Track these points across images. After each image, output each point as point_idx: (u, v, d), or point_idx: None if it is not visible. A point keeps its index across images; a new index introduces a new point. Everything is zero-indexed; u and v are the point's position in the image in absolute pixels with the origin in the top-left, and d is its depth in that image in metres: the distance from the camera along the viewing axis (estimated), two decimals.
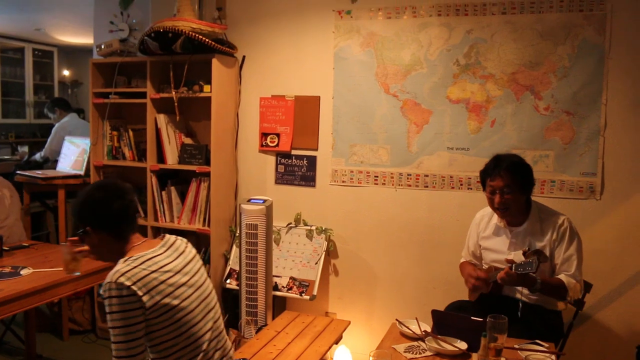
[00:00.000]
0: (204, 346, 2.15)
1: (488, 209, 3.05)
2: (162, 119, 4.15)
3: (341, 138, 3.98)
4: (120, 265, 2.00)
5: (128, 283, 1.95)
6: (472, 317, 2.53)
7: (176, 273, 2.11)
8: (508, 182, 2.81)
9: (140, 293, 1.97)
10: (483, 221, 3.13)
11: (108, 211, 2.11)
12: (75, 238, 2.26)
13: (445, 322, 2.63)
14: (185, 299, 2.12)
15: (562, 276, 2.81)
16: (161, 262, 2.10)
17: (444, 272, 3.73)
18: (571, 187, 3.52)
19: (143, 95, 4.16)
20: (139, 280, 1.98)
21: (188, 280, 2.16)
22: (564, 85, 3.47)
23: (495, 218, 3.00)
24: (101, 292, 2.04)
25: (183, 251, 2.25)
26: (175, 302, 2.05)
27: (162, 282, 2.05)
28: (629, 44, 3.35)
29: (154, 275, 2.03)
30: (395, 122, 3.83)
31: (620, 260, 3.43)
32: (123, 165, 4.40)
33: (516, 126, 3.59)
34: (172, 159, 4.16)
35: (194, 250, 2.33)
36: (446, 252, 3.72)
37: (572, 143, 3.50)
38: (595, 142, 3.45)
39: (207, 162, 4.06)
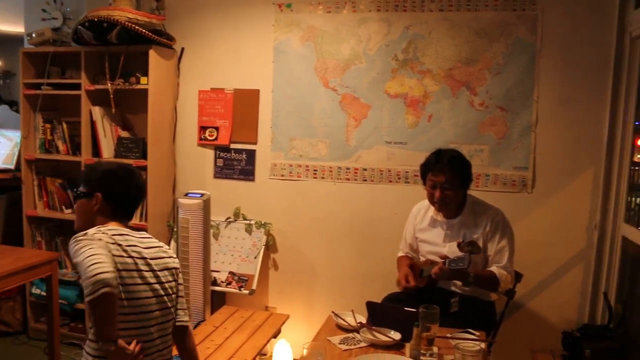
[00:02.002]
0: (153, 333, 2.11)
1: (425, 202, 3.08)
2: (97, 111, 4.05)
3: (280, 132, 3.97)
4: (93, 230, 2.05)
5: (99, 235, 2.00)
6: (406, 308, 2.55)
7: (142, 258, 2.09)
8: (449, 178, 2.84)
9: (110, 243, 2.00)
10: (420, 214, 3.16)
11: (126, 190, 2.20)
12: None
13: (380, 313, 2.65)
14: (143, 278, 2.08)
15: (494, 268, 2.87)
16: (132, 240, 2.10)
17: (382, 265, 3.72)
18: (505, 181, 3.59)
19: (77, 86, 4.04)
20: (110, 241, 2.02)
21: (151, 271, 2.12)
22: (498, 81, 3.54)
23: (432, 210, 3.04)
24: (70, 243, 2.03)
25: (161, 257, 2.21)
26: (134, 280, 2.04)
27: (128, 256, 2.05)
28: (558, 43, 3.44)
29: (120, 240, 2.05)
30: (334, 116, 3.83)
31: (551, 250, 3.53)
32: (57, 159, 4.27)
33: (452, 121, 3.64)
34: (108, 153, 4.06)
35: (174, 263, 2.26)
36: (384, 246, 3.72)
37: (505, 138, 3.56)
38: (528, 137, 3.53)
39: (144, 156, 3.98)
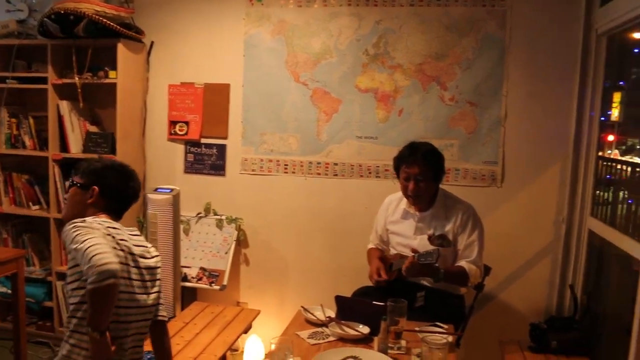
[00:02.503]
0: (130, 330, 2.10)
1: (398, 194, 3.09)
2: (65, 105, 3.98)
3: (251, 126, 3.94)
4: (88, 219, 2.06)
5: (97, 225, 2.00)
6: (374, 302, 2.55)
7: (131, 254, 2.09)
8: (423, 170, 2.86)
9: (106, 234, 2.00)
10: (392, 205, 3.16)
11: (123, 189, 2.22)
12: None
13: (349, 307, 2.65)
14: (129, 273, 2.07)
15: (463, 263, 2.89)
16: (123, 235, 2.10)
17: (353, 259, 3.70)
18: (474, 175, 3.62)
19: (44, 80, 3.96)
20: (106, 232, 2.02)
21: (136, 268, 2.12)
22: (468, 76, 3.56)
23: (404, 203, 3.05)
24: (64, 230, 2.02)
25: (145, 257, 2.19)
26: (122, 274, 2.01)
27: (120, 249, 2.04)
28: (526, 38, 3.47)
29: (113, 233, 2.06)
30: (305, 110, 3.82)
31: (520, 243, 3.58)
32: (23, 155, 4.19)
33: (423, 116, 3.66)
34: (76, 148, 4.00)
35: (157, 263, 2.25)
36: (355, 240, 3.70)
37: (475, 132, 3.59)
38: (497, 132, 3.57)
39: (113, 151, 3.92)
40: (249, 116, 3.94)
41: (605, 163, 3.38)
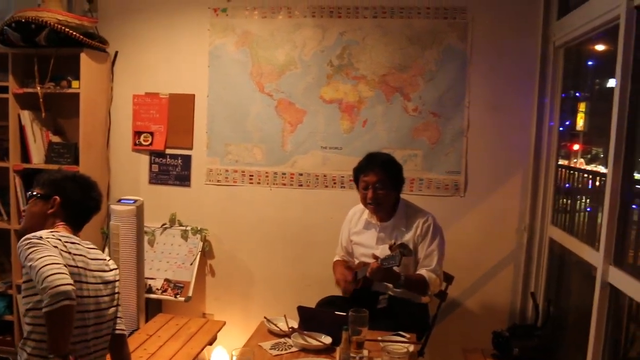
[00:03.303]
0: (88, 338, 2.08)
1: (360, 206, 3.12)
2: (26, 115, 3.91)
3: (216, 137, 3.91)
4: (45, 232, 2.02)
5: (54, 241, 1.98)
6: (336, 312, 2.55)
7: (87, 269, 2.06)
8: (381, 178, 2.89)
9: (63, 250, 1.97)
10: (355, 217, 3.20)
11: (84, 199, 2.20)
12: None
13: (311, 317, 2.66)
14: (84, 290, 2.04)
15: (423, 271, 2.92)
16: (81, 249, 2.09)
17: (317, 270, 3.70)
18: (438, 185, 3.65)
19: (5, 89, 3.88)
20: (63, 248, 2.00)
21: (94, 284, 2.10)
22: (431, 87, 3.59)
23: (367, 213, 3.08)
24: (18, 246, 1.98)
25: (103, 270, 2.18)
26: (79, 292, 1.97)
27: (75, 265, 2.01)
28: (487, 50, 3.53)
29: (71, 248, 2.04)
30: (270, 121, 3.81)
31: (483, 252, 3.61)
32: None
33: (387, 126, 3.68)
34: (38, 158, 3.94)
35: (115, 277, 2.24)
36: (320, 251, 3.69)
37: (438, 143, 3.63)
38: (460, 142, 3.60)
39: (77, 162, 3.83)
40: (214, 127, 3.90)
41: (566, 172, 3.47)
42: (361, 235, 3.14)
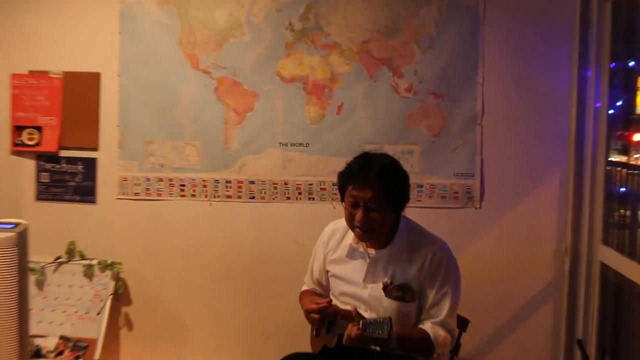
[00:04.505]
0: None
1: (342, 222, 2.53)
2: None
3: (132, 132, 3.32)
4: None
5: None
6: None
7: None
8: (378, 195, 2.32)
9: None
10: (334, 238, 2.60)
11: None
12: None
13: None
14: None
15: (428, 326, 2.37)
16: None
17: (278, 316, 3.26)
18: (443, 193, 3.18)
19: None
20: None
21: None
22: (430, 58, 3.13)
23: (351, 236, 2.49)
24: None
25: None
26: None
27: None
28: (506, 4, 3.12)
29: None
30: (207, 108, 3.27)
31: (509, 285, 3.15)
32: None
33: (370, 113, 3.18)
34: None
35: None
36: (281, 288, 3.24)
37: (442, 135, 3.14)
38: (472, 133, 3.13)
39: None
40: (128, 118, 3.31)
41: (620, 171, 2.99)
42: (343, 266, 2.51)
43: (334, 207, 3.04)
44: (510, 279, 3.16)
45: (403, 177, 2.40)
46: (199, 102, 3.25)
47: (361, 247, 2.43)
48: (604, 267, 2.92)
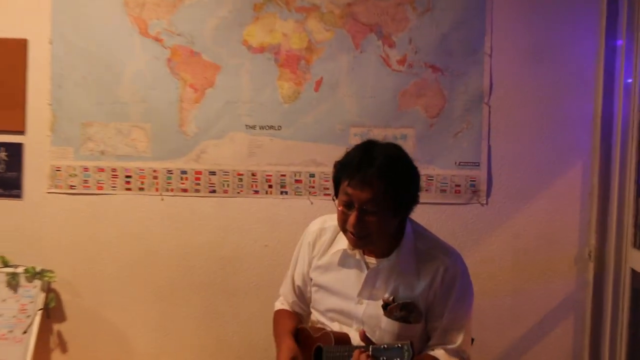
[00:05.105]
0: None
1: (333, 219, 2.21)
2: None
3: (66, 112, 2.94)
4: None
5: None
6: None
7: None
8: (377, 197, 2.00)
9: None
10: (322, 240, 2.26)
11: None
12: None
13: None
14: None
15: (441, 353, 2.07)
16: None
17: (246, 335, 2.92)
18: (443, 186, 2.89)
19: None
20: None
21: None
22: (428, 24, 2.83)
23: (344, 239, 2.15)
24: None
25: None
26: None
27: None
28: None
29: None
30: (158, 84, 2.92)
31: (521, 296, 2.85)
32: None
33: (355, 89, 2.86)
34: None
35: None
36: (249, 302, 2.91)
37: (442, 116, 2.83)
38: (477, 114, 2.83)
39: None
40: (62, 95, 2.93)
41: None
42: (332, 275, 2.17)
43: (312, 203, 2.76)
44: (522, 290, 2.85)
45: (412, 175, 2.07)
46: (148, 77, 2.89)
47: (357, 254, 2.10)
48: (635, 275, 2.66)
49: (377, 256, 2.05)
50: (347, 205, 1.98)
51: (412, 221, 2.14)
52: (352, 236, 1.98)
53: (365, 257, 2.08)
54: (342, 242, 2.12)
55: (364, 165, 1.97)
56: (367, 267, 2.08)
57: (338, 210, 2.03)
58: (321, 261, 2.17)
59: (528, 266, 2.83)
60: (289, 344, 2.09)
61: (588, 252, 2.79)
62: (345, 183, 1.98)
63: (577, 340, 2.81)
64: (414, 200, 2.05)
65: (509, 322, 2.83)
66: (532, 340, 2.82)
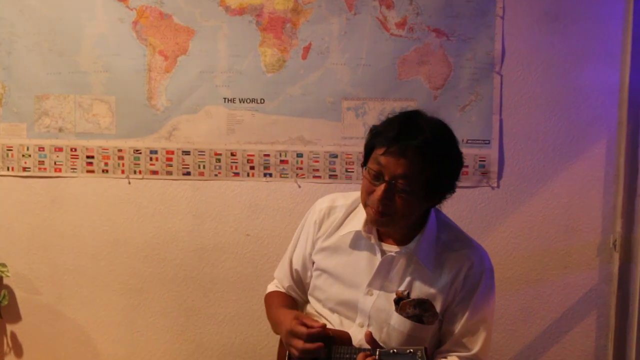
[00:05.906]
0: None
1: (349, 197, 2.06)
2: None
3: (18, 83, 2.69)
4: None
5: None
6: None
7: None
8: (413, 173, 1.80)
9: None
10: (330, 219, 2.06)
11: None
12: None
13: None
14: None
15: (454, 359, 1.91)
16: None
17: (225, 333, 2.71)
18: None
19: None
20: None
21: None
22: None
23: (359, 220, 1.96)
24: None
25: None
26: None
27: None
28: None
29: None
30: (123, 51, 2.68)
31: (537, 291, 2.65)
32: None
33: (348, 57, 2.63)
34: None
35: None
36: (229, 296, 2.68)
37: (447, 87, 2.60)
38: (488, 85, 2.59)
39: None
40: (12, 63, 2.69)
41: None
42: (339, 259, 1.98)
43: (299, 187, 2.54)
44: (539, 283, 2.64)
45: (457, 161, 1.86)
46: (111, 42, 2.61)
47: (372, 238, 1.90)
48: None
49: (390, 241, 1.86)
50: (376, 177, 1.81)
51: (436, 209, 1.94)
52: (372, 212, 1.81)
53: (380, 241, 1.89)
54: (356, 223, 1.93)
55: (404, 134, 1.76)
56: (383, 254, 1.88)
57: (364, 180, 1.84)
58: (327, 242, 1.99)
59: (544, 257, 2.62)
60: (286, 308, 1.93)
61: (613, 241, 2.58)
62: (380, 151, 1.80)
63: (600, 340, 2.61)
64: (450, 189, 1.84)
65: (523, 318, 2.64)
66: (549, 341, 2.62)
